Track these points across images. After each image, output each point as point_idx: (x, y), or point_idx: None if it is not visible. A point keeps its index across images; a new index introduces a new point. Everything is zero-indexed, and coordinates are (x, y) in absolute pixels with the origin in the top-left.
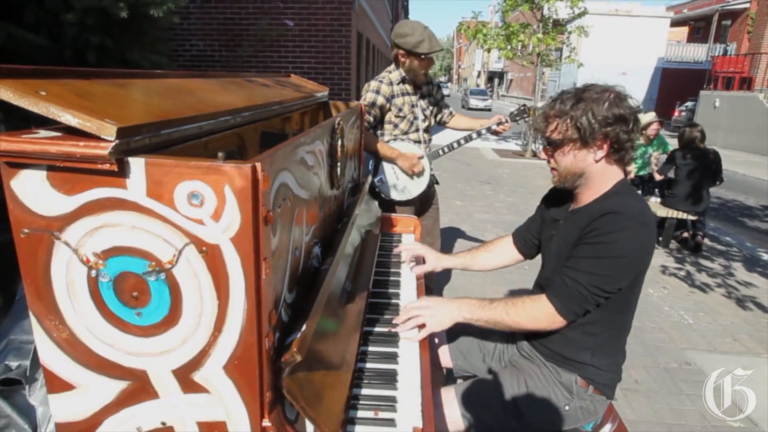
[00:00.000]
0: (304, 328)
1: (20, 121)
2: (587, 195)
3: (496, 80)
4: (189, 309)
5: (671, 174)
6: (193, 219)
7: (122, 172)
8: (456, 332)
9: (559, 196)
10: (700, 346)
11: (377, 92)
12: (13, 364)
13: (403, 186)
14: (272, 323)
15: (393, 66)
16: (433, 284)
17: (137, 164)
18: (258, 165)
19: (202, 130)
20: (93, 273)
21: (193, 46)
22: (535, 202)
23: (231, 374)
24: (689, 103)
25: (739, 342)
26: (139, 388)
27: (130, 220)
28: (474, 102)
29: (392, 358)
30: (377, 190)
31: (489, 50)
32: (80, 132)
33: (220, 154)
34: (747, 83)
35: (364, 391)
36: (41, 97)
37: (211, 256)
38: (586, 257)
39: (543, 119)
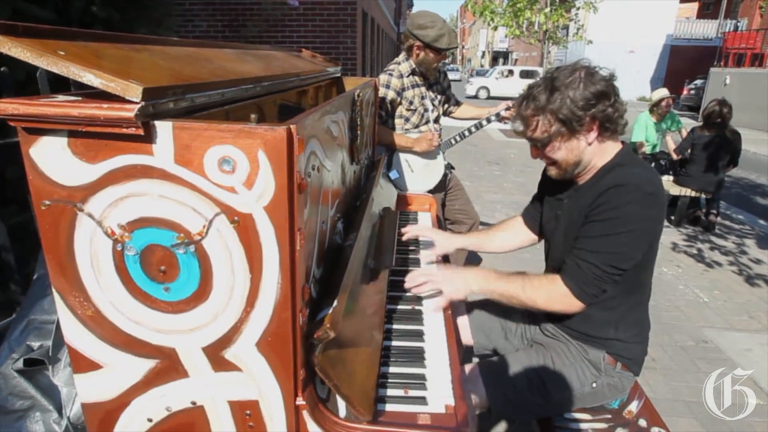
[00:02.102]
0: (335, 303)
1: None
2: (590, 173)
3: (501, 60)
4: (220, 283)
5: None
6: (224, 187)
7: (148, 136)
8: (477, 310)
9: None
10: (717, 324)
11: (387, 86)
12: (35, 344)
13: (418, 178)
14: (305, 298)
15: (402, 56)
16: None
17: (164, 128)
18: (293, 128)
19: (224, 98)
20: (118, 246)
21: (197, 27)
22: None
23: (264, 351)
24: (698, 81)
25: (756, 320)
26: (168, 366)
27: (157, 189)
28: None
29: (418, 335)
30: (393, 185)
31: (496, 28)
32: (102, 95)
33: (253, 116)
34: (759, 59)
35: (393, 369)
36: (61, 57)
37: (243, 226)
38: (595, 236)
39: (521, 121)
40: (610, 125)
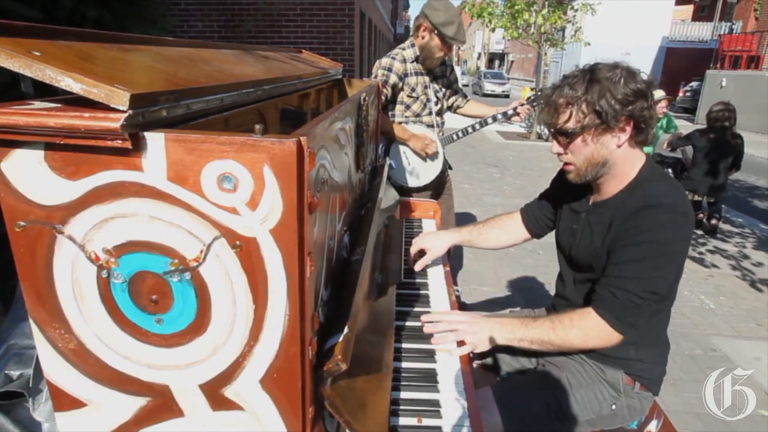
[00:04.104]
0: (346, 330)
1: None
2: (612, 185)
3: (497, 62)
4: (219, 314)
5: (689, 153)
6: (224, 207)
7: (137, 150)
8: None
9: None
10: (724, 332)
11: (389, 69)
12: (14, 373)
13: (416, 171)
14: (315, 328)
15: (408, 42)
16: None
17: (155, 140)
18: (303, 140)
19: (223, 103)
20: (104, 273)
21: (192, 27)
22: (544, 185)
23: (269, 389)
24: (694, 84)
25: (762, 327)
26: (160, 405)
27: (148, 210)
28: (490, 86)
29: (429, 355)
30: (388, 176)
31: (494, 30)
32: (85, 102)
33: (257, 127)
34: (755, 62)
35: (404, 395)
36: (35, 58)
37: (246, 251)
38: (630, 261)
39: (551, 110)
40: (643, 128)
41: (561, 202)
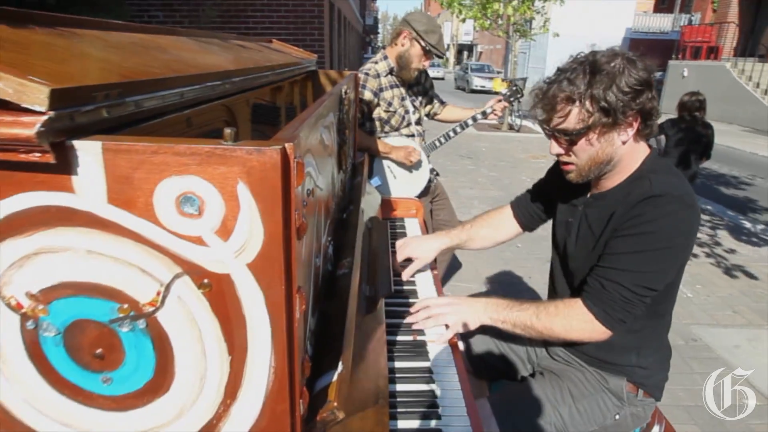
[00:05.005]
0: (340, 368)
1: None
2: (613, 179)
3: (465, 53)
4: (185, 369)
5: (662, 143)
6: (186, 237)
7: (64, 164)
8: (470, 330)
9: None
10: (703, 321)
11: (363, 87)
12: None
13: (402, 185)
14: (306, 374)
15: (380, 55)
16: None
17: (90, 151)
18: (289, 147)
19: (184, 99)
20: (29, 324)
21: (153, 18)
22: (518, 176)
23: None
24: (657, 74)
25: (739, 314)
26: None
27: (84, 242)
28: (479, 82)
29: (426, 374)
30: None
31: (464, 20)
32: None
33: (227, 132)
34: (714, 52)
35: (402, 424)
36: None
37: (218, 291)
38: (626, 252)
39: (549, 108)
40: (650, 121)
41: (556, 194)
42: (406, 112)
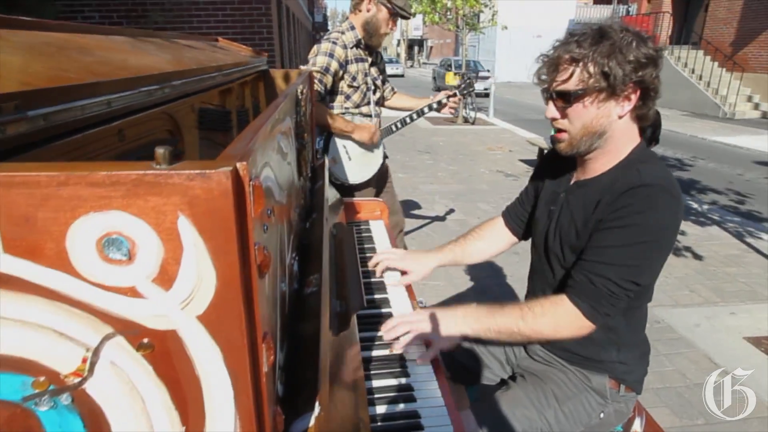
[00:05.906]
0: (317, 410)
1: None
2: (600, 162)
3: (416, 48)
4: None
5: None
6: (114, 288)
7: None
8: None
9: (558, 164)
10: (664, 302)
11: (331, 56)
12: None
13: (356, 167)
14: (280, 430)
15: (346, 25)
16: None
17: None
18: (242, 166)
19: (111, 108)
20: None
21: (87, 19)
22: (477, 168)
23: None
24: None
25: (696, 293)
26: None
27: None
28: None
29: (406, 391)
30: (330, 173)
31: (414, 15)
32: None
33: (159, 152)
34: (651, 41)
35: None
36: None
37: (162, 352)
38: (612, 246)
39: (552, 68)
40: (648, 99)
41: (541, 187)
42: (368, 89)
